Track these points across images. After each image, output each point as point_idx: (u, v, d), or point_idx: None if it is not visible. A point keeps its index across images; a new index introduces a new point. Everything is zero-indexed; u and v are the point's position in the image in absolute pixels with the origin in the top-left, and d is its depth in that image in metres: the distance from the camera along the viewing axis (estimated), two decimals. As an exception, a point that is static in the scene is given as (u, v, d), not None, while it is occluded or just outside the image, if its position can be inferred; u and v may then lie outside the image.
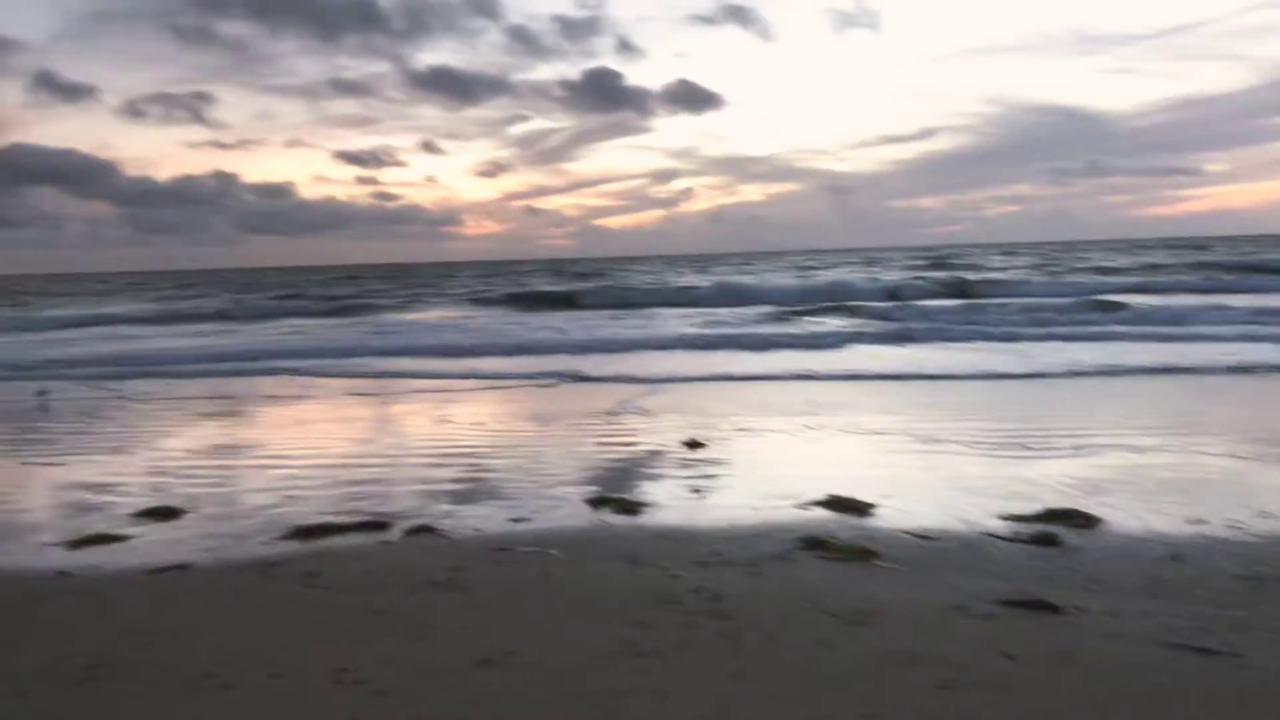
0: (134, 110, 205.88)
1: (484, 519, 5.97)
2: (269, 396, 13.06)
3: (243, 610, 4.17)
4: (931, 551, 5.02)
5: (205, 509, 6.41)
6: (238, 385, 14.10)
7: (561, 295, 34.21)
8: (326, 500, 6.57)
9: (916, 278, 36.69)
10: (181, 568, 5.04)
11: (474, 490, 6.80)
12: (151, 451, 8.87)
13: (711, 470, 7.21)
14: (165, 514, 6.27)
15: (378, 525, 5.83)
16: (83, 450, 8.96)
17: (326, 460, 8.07)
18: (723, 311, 25.84)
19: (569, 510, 6.15)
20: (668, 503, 6.29)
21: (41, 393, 13.73)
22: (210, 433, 10.00)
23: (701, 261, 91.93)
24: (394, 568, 4.86)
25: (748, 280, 39.78)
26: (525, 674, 3.36)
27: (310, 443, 9.12)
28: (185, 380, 14.87)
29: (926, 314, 22.24)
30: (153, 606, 4.31)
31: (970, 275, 36.59)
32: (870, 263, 62.78)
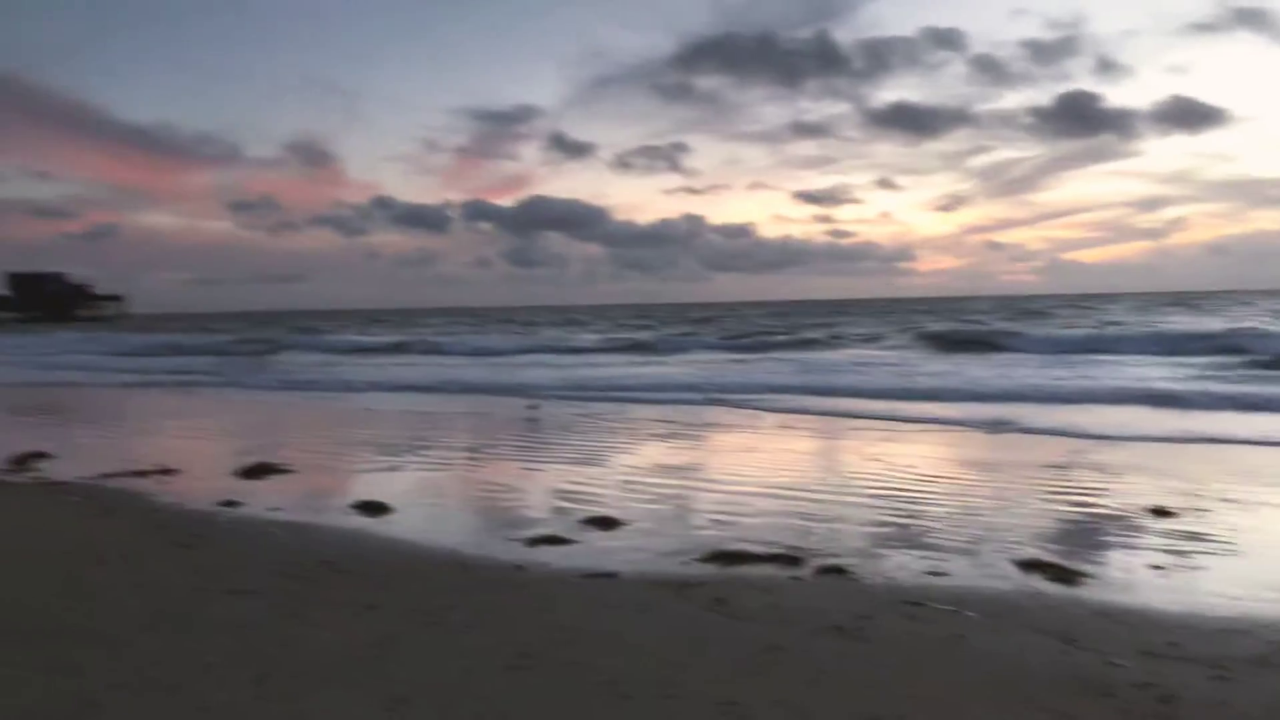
0: (623, 162, 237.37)
1: (900, 567, 5.68)
2: (708, 424, 13.87)
3: (653, 625, 4.40)
4: None
5: (640, 523, 6.93)
6: (682, 412, 15.16)
7: (1007, 335, 31.78)
8: (747, 528, 6.74)
9: None
10: (609, 575, 5.47)
11: (894, 535, 6.52)
12: (605, 466, 9.87)
13: (1182, 545, 6.13)
14: (607, 524, 6.91)
15: (791, 559, 5.82)
16: (556, 460, 10.26)
17: (753, 489, 8.30)
18: (1209, 360, 22.09)
19: (995, 571, 5.61)
20: (1118, 576, 5.46)
21: (532, 407, 16.08)
22: (655, 453, 10.87)
23: (1195, 300, 79.74)
24: (799, 606, 4.80)
25: (1250, 323, 33.62)
26: (918, 745, 3.09)
27: (740, 471, 9.46)
28: (639, 405, 16.41)
29: None
30: (580, 609, 4.72)
31: None
32: None
